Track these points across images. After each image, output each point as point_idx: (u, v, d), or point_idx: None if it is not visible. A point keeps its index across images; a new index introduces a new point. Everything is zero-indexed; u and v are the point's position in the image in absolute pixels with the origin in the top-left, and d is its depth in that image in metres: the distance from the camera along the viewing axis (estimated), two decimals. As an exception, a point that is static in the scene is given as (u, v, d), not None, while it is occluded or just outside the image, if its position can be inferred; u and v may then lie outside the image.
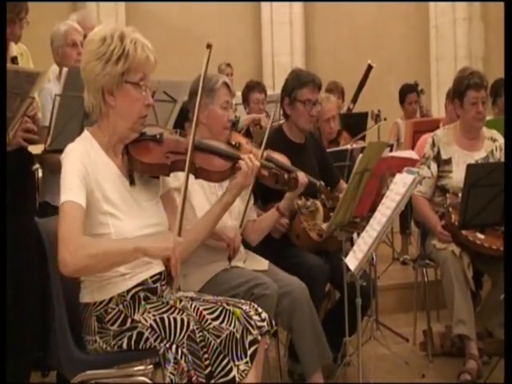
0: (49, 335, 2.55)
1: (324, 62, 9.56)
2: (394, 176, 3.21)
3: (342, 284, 3.61)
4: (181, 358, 2.35)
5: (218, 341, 2.41)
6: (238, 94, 6.04)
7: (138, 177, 2.55)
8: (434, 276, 4.55)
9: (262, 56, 9.66)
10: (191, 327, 2.38)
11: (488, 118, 4.40)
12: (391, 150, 5.42)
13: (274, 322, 2.56)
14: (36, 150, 3.36)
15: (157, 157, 2.53)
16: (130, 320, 2.42)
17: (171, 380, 2.34)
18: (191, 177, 2.61)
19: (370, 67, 7.05)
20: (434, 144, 4.20)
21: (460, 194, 3.83)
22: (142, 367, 2.45)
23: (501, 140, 4.18)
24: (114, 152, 2.51)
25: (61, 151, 2.43)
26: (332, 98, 5.45)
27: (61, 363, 2.49)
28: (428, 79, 9.47)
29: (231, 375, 2.38)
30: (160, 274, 2.54)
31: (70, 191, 2.31)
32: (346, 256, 3.29)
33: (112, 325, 2.42)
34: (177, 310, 2.45)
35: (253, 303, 2.58)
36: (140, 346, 2.41)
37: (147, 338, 2.40)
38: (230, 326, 2.43)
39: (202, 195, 3.26)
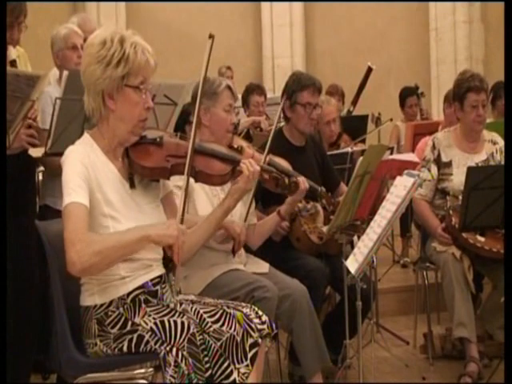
0: (49, 338, 2.55)
1: (324, 64, 9.57)
2: (395, 179, 3.21)
3: (342, 287, 3.61)
4: (181, 361, 2.35)
5: (219, 344, 2.41)
6: (238, 96, 6.04)
7: (139, 180, 2.55)
8: (435, 279, 4.55)
9: (262, 59, 9.67)
10: (191, 330, 2.38)
11: (488, 120, 4.40)
12: (391, 153, 5.42)
13: (274, 325, 2.57)
14: (36, 153, 3.36)
15: (157, 160, 2.53)
16: (130, 323, 2.42)
17: (171, 383, 2.34)
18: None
19: (369, 69, 7.05)
20: (434, 147, 4.20)
21: (460, 197, 3.84)
22: (142, 370, 2.45)
23: (501, 143, 4.18)
24: (114, 155, 2.51)
25: (61, 154, 2.43)
26: (332, 101, 5.45)
27: (61, 366, 2.49)
28: (428, 82, 9.47)
29: (232, 378, 2.39)
30: (160, 277, 2.54)
31: (74, 192, 2.31)
32: (346, 259, 3.28)
33: (112, 328, 2.42)
34: (177, 313, 2.44)
35: (253, 306, 2.59)
36: (140, 349, 2.41)
37: (147, 341, 2.39)
38: (230, 328, 2.43)
39: (204, 196, 3.27)
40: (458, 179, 4.01)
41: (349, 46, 9.56)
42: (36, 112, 3.29)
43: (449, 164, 4.15)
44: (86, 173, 2.36)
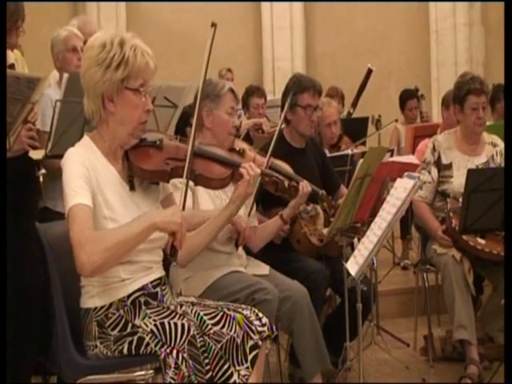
0: (50, 340, 2.55)
1: (324, 66, 9.57)
2: (395, 181, 3.21)
3: (342, 289, 3.61)
4: (181, 363, 2.35)
5: (219, 346, 2.41)
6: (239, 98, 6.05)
7: (139, 182, 2.55)
8: (435, 281, 4.55)
9: (262, 61, 9.68)
10: (192, 332, 2.38)
11: (487, 123, 4.40)
12: (392, 155, 5.43)
13: (274, 327, 2.56)
14: (36, 155, 3.37)
15: (157, 163, 2.53)
16: (130, 325, 2.42)
17: (172, 385, 2.34)
18: None
19: (369, 71, 7.04)
20: (434, 149, 4.20)
21: (460, 199, 3.83)
22: (142, 372, 2.45)
23: (501, 145, 4.18)
24: (114, 157, 2.50)
25: (61, 156, 2.43)
26: (333, 103, 5.46)
27: (61, 368, 2.49)
28: (428, 84, 9.48)
29: (232, 380, 2.39)
30: (160, 278, 2.54)
31: (76, 194, 2.30)
32: (346, 261, 3.28)
33: (113, 330, 2.42)
34: (177, 315, 2.45)
35: (253, 308, 2.59)
36: (140, 351, 2.40)
37: (148, 343, 2.39)
38: (230, 331, 2.43)
39: (207, 196, 3.27)
40: (458, 181, 4.01)
41: (349, 48, 9.57)
42: (36, 115, 3.30)
43: (449, 166, 4.15)
44: (87, 174, 2.36)
